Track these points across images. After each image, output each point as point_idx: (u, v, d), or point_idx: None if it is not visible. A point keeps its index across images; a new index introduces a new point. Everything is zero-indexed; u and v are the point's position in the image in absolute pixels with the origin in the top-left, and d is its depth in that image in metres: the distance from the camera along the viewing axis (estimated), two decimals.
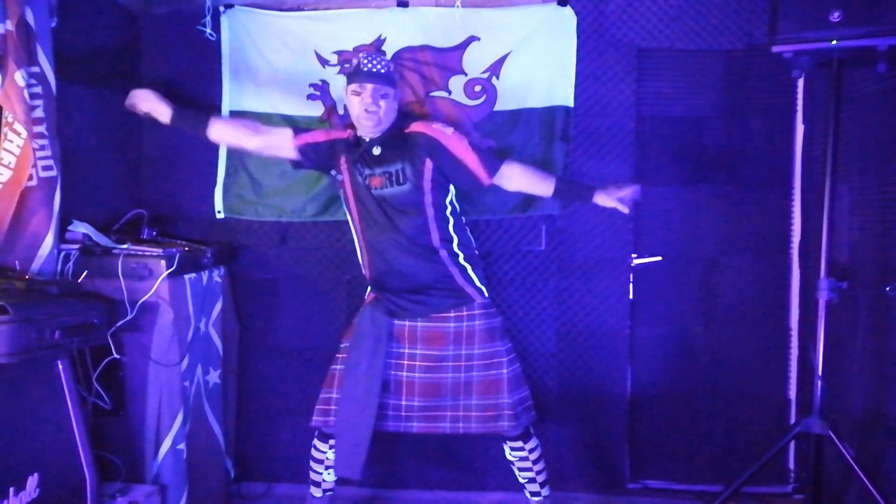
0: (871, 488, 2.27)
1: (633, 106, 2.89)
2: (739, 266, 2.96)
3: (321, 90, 2.95)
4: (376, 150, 2.39)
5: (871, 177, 2.56)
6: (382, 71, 2.33)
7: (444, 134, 2.40)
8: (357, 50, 2.92)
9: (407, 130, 2.41)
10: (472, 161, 2.38)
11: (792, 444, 2.89)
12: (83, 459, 2.07)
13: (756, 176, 2.94)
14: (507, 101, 2.87)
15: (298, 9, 2.96)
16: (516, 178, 2.43)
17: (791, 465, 2.97)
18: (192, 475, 2.49)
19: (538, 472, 2.52)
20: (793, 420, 2.92)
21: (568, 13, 2.85)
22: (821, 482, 2.53)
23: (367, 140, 2.41)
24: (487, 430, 2.43)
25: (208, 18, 2.92)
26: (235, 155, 2.99)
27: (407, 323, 2.43)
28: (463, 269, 2.44)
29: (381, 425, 2.42)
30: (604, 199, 2.38)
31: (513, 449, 2.50)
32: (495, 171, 2.40)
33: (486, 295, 2.49)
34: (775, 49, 2.38)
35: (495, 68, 2.86)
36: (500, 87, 2.88)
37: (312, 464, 2.55)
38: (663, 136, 2.94)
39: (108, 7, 2.85)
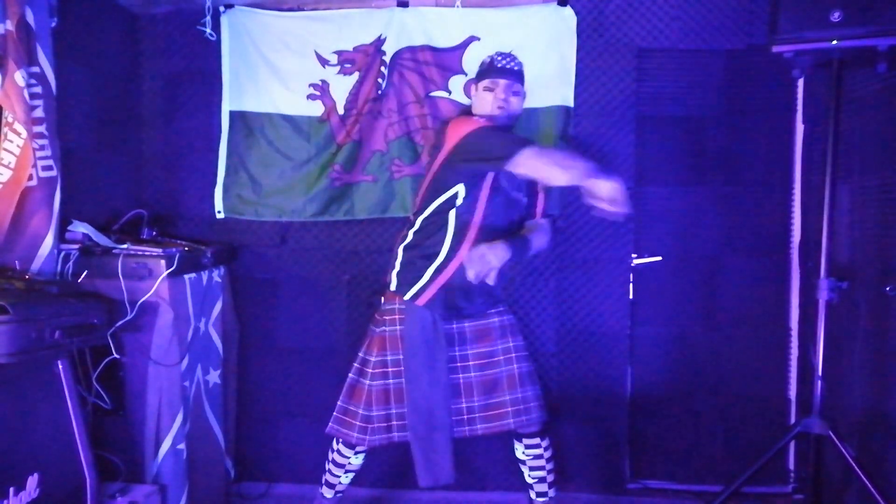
0: (871, 488, 2.27)
1: (633, 106, 2.89)
2: (739, 266, 2.96)
3: (321, 90, 2.95)
4: None
5: (871, 177, 2.56)
6: (516, 69, 2.39)
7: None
8: (357, 50, 2.93)
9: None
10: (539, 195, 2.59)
11: (792, 444, 2.89)
12: (83, 459, 2.07)
13: (756, 176, 2.94)
14: None
15: (298, 9, 2.96)
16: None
17: (791, 465, 2.97)
18: (192, 475, 2.49)
19: (549, 472, 2.50)
20: (793, 420, 2.92)
21: (568, 13, 2.85)
22: (821, 482, 2.52)
23: None
24: (530, 425, 2.43)
25: (208, 18, 2.92)
26: (235, 155, 2.99)
27: (454, 325, 2.39)
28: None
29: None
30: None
31: (529, 446, 2.47)
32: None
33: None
34: (775, 49, 2.38)
35: None
36: None
37: (332, 467, 2.50)
38: (663, 136, 2.95)
39: (108, 7, 2.85)
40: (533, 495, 2.53)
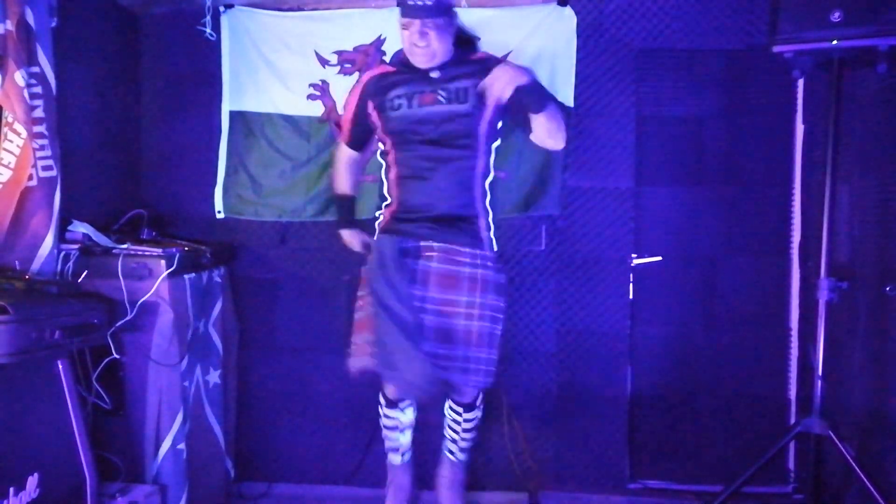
0: (871, 488, 2.27)
1: (633, 106, 2.89)
2: (739, 266, 2.96)
3: (321, 90, 2.95)
4: (434, 74, 2.31)
5: (871, 177, 2.56)
6: (429, 2, 2.21)
7: (513, 64, 2.28)
8: (357, 50, 2.93)
9: (474, 57, 2.36)
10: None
11: (792, 444, 2.89)
12: (83, 459, 2.07)
13: (756, 176, 2.94)
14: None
15: (298, 9, 2.96)
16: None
17: (791, 465, 2.96)
18: (192, 475, 2.49)
19: (465, 440, 2.55)
20: (793, 420, 2.92)
21: (568, 13, 2.85)
22: (821, 482, 2.52)
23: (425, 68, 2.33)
24: (476, 385, 2.34)
25: (208, 18, 2.92)
26: (235, 155, 2.99)
27: (420, 263, 2.28)
28: (486, 214, 2.37)
29: None
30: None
31: (465, 414, 2.50)
32: (545, 107, 2.25)
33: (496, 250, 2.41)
34: (775, 49, 2.38)
35: None
36: None
37: (386, 432, 2.55)
38: (663, 136, 2.94)
39: (108, 7, 2.85)
40: (445, 445, 2.60)
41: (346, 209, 2.63)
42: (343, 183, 2.60)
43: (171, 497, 2.37)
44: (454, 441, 2.56)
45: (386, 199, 2.41)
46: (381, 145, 2.43)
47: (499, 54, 2.82)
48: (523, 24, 2.86)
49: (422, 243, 2.30)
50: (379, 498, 2.95)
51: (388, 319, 2.18)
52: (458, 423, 2.52)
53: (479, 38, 2.44)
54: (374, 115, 2.37)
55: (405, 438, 2.56)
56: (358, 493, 2.97)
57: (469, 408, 2.48)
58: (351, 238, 2.62)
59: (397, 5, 2.26)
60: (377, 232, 2.39)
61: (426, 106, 2.29)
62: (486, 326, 2.29)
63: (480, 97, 2.22)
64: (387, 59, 2.91)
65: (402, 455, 2.58)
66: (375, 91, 2.36)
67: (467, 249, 2.31)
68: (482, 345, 2.28)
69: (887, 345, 2.42)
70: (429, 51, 2.25)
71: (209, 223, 3.01)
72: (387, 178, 2.41)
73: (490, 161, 2.38)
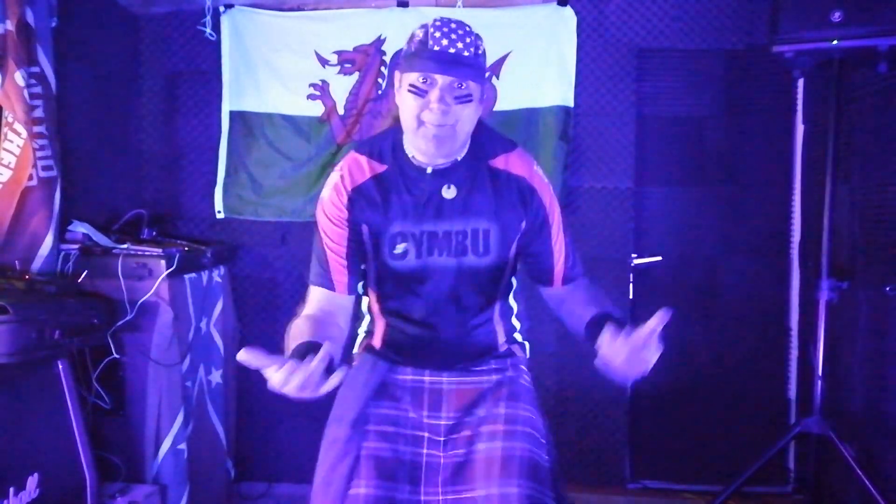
0: (871, 488, 2.27)
1: (633, 106, 2.89)
2: (739, 266, 2.96)
3: (321, 90, 2.95)
4: (448, 192, 1.50)
5: (871, 177, 2.56)
6: (467, 54, 1.39)
7: (551, 193, 1.56)
8: (357, 50, 2.92)
9: (495, 164, 1.52)
10: (560, 251, 1.59)
11: (792, 444, 2.89)
12: (83, 459, 2.07)
13: (756, 176, 2.94)
14: (507, 100, 2.87)
15: (298, 9, 2.96)
16: (577, 294, 1.62)
17: (791, 465, 2.96)
18: (192, 475, 2.49)
19: None
20: (793, 420, 2.92)
21: (568, 13, 2.85)
22: (821, 482, 2.53)
23: (429, 172, 1.50)
24: None
25: (208, 18, 2.92)
26: (235, 155, 2.99)
27: (426, 377, 1.60)
28: (512, 331, 1.72)
29: None
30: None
31: None
32: (571, 282, 1.62)
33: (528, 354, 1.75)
34: (775, 49, 2.38)
35: (495, 68, 2.86)
36: (500, 87, 2.88)
37: None
38: (663, 136, 2.94)
39: (108, 7, 2.85)
40: None
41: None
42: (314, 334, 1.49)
43: (172, 497, 2.37)
44: None
45: (363, 317, 1.69)
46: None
47: (499, 55, 2.84)
48: (523, 24, 2.86)
49: (445, 379, 1.60)
50: None
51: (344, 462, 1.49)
52: None
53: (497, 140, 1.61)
54: (369, 244, 1.54)
55: None
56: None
57: None
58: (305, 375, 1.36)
59: (407, 53, 1.43)
60: (355, 348, 1.71)
61: (442, 254, 1.51)
62: (523, 449, 1.48)
63: (504, 242, 1.53)
64: (387, 58, 2.91)
65: None
66: (367, 207, 1.51)
67: (492, 363, 1.64)
68: (515, 475, 1.43)
69: (887, 345, 2.42)
70: (450, 137, 1.42)
71: (209, 223, 3.01)
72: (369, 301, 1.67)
73: (511, 277, 1.67)
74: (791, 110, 2.91)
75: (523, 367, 1.69)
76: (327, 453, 1.53)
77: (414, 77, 1.39)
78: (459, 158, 1.50)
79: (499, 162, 1.52)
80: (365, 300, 1.67)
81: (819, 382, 2.43)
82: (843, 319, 2.59)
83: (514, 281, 1.69)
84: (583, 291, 1.62)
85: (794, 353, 2.96)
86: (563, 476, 1.62)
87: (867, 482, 2.28)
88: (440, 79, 1.38)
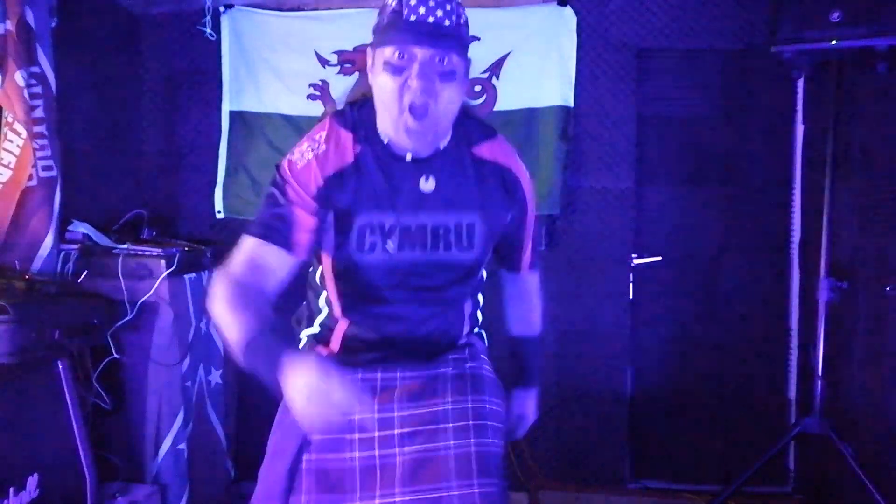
0: (871, 488, 2.27)
1: (633, 106, 2.89)
2: (739, 266, 2.96)
3: (321, 90, 2.95)
4: (427, 184, 1.36)
5: (871, 177, 2.56)
6: (447, 23, 1.25)
7: (529, 182, 1.49)
8: (357, 50, 2.92)
9: (479, 152, 1.41)
10: (529, 240, 1.55)
11: (792, 444, 2.89)
12: (83, 459, 2.06)
13: (756, 176, 2.94)
14: (507, 100, 2.87)
15: (298, 9, 2.96)
16: (525, 287, 1.66)
17: (791, 465, 2.97)
18: (193, 475, 2.49)
19: None
20: (793, 420, 2.92)
21: (568, 13, 2.85)
22: (821, 482, 2.53)
23: (408, 159, 1.34)
24: None
25: (208, 18, 2.92)
26: (235, 155, 2.99)
27: (378, 372, 1.45)
28: (474, 324, 1.60)
29: None
30: (517, 402, 1.66)
31: None
32: (535, 268, 1.63)
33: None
34: (775, 49, 2.38)
35: (495, 68, 2.86)
36: (500, 87, 2.88)
37: None
38: (663, 136, 2.95)
39: (108, 7, 2.85)
40: None
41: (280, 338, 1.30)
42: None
43: (172, 497, 2.37)
44: None
45: (319, 312, 1.52)
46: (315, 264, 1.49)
47: (499, 55, 2.84)
48: (523, 24, 2.86)
49: (378, 370, 1.46)
50: None
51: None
52: None
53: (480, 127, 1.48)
54: (332, 232, 1.37)
55: None
56: None
57: None
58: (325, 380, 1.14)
59: (379, 25, 1.29)
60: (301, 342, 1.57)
61: (416, 249, 1.38)
62: (486, 444, 1.38)
63: (489, 236, 1.43)
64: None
65: None
66: (339, 193, 1.34)
67: (450, 355, 1.50)
68: (480, 473, 1.34)
69: (887, 345, 2.42)
70: (430, 120, 1.26)
71: (209, 223, 3.01)
72: (320, 290, 1.52)
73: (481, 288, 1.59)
74: (791, 110, 2.91)
75: (483, 356, 1.57)
76: (268, 465, 1.41)
77: (389, 52, 1.24)
78: (442, 147, 1.36)
79: (483, 150, 1.41)
80: (323, 294, 1.49)
81: (819, 382, 2.44)
82: (843, 319, 2.60)
83: (484, 273, 1.56)
84: (528, 296, 1.66)
85: (794, 353, 2.96)
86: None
87: (867, 482, 2.28)
88: (419, 52, 1.23)
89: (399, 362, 1.45)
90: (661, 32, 2.87)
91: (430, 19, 1.23)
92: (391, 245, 1.36)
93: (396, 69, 1.24)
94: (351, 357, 1.45)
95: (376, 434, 1.37)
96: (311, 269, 1.51)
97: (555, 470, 2.95)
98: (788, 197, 2.95)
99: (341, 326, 1.47)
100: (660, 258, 2.96)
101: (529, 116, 2.86)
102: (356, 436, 1.37)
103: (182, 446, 2.41)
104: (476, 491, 1.32)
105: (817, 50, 2.34)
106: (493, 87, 2.87)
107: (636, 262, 2.95)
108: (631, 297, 2.96)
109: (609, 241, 2.92)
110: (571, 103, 2.87)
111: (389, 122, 1.29)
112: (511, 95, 2.87)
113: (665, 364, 3.01)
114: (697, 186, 2.96)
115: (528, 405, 1.68)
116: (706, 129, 2.94)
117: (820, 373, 2.44)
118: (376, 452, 1.37)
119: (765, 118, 2.92)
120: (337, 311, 1.47)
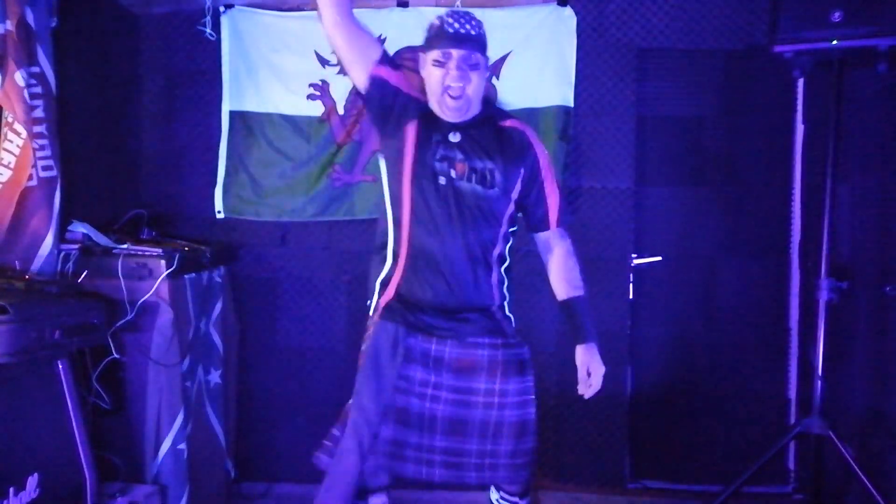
0: (871, 488, 2.27)
1: (633, 106, 2.89)
2: (739, 266, 2.96)
3: (321, 90, 2.95)
4: (454, 137, 1.90)
5: (871, 177, 2.56)
6: (473, 33, 1.86)
7: (543, 149, 1.99)
8: None
9: (502, 124, 1.96)
10: (553, 198, 1.99)
11: (792, 444, 2.89)
12: (83, 459, 2.06)
13: (756, 176, 2.94)
14: (507, 100, 2.87)
15: (298, 9, 2.96)
16: (559, 250, 2.02)
17: (791, 465, 2.97)
18: (192, 475, 2.49)
19: None
20: (793, 420, 2.92)
21: (568, 13, 2.85)
22: (821, 482, 2.53)
23: (447, 123, 1.92)
24: (512, 481, 2.01)
25: (208, 18, 2.92)
26: (235, 155, 2.99)
27: (433, 345, 1.94)
28: (503, 299, 2.03)
29: (401, 468, 1.96)
30: (580, 357, 2.06)
31: (503, 499, 2.10)
32: (565, 223, 2.03)
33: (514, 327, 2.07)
34: (775, 49, 2.38)
35: (495, 68, 2.86)
36: (500, 87, 2.88)
37: None
38: (663, 136, 2.95)
39: (108, 7, 2.85)
40: None
41: None
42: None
43: (172, 497, 2.36)
44: None
45: (387, 262, 1.97)
46: (384, 172, 1.99)
47: (499, 55, 2.84)
48: (523, 24, 2.86)
49: (434, 344, 1.94)
50: None
51: (362, 420, 1.90)
52: None
53: (507, 113, 2.07)
54: (411, 145, 1.89)
55: None
56: None
57: (522, 495, 2.07)
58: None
59: (428, 37, 1.90)
60: (375, 312, 2.00)
61: (462, 181, 1.89)
62: (515, 414, 1.94)
63: (507, 180, 1.91)
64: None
65: None
66: (427, 127, 1.91)
67: (486, 338, 1.97)
68: (511, 436, 1.93)
69: (887, 345, 2.43)
70: (465, 99, 1.86)
71: (209, 223, 3.01)
72: (394, 228, 1.95)
73: (507, 248, 2.01)
74: (791, 110, 2.92)
75: (513, 341, 2.01)
76: (365, 399, 1.91)
77: (436, 53, 1.86)
78: (470, 116, 1.91)
79: (506, 123, 1.96)
80: (390, 241, 1.94)
81: (819, 382, 2.44)
82: (843, 319, 2.60)
83: (507, 255, 2.02)
84: (563, 258, 2.02)
85: (794, 353, 2.96)
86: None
87: (867, 482, 2.28)
88: (455, 52, 1.83)
89: (446, 330, 1.93)
90: (661, 32, 2.87)
91: (462, 31, 1.85)
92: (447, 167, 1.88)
93: (441, 64, 1.85)
94: (404, 311, 1.93)
95: (429, 392, 1.93)
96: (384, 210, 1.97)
97: (554, 470, 2.95)
98: (788, 197, 2.95)
99: (398, 274, 1.94)
100: (660, 258, 2.96)
101: (529, 116, 2.86)
102: (417, 389, 1.93)
103: (182, 446, 2.41)
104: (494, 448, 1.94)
105: (817, 50, 2.34)
106: (493, 87, 2.87)
107: (636, 262, 2.95)
108: (631, 297, 2.96)
109: (609, 241, 2.92)
110: (571, 103, 2.87)
111: (435, 103, 1.89)
112: (511, 95, 2.87)
113: (665, 364, 3.01)
114: (697, 186, 2.96)
115: (594, 357, 2.05)
116: (706, 129, 2.94)
117: (820, 373, 2.44)
118: (427, 405, 1.93)
119: (765, 118, 2.92)
120: (400, 248, 1.92)
